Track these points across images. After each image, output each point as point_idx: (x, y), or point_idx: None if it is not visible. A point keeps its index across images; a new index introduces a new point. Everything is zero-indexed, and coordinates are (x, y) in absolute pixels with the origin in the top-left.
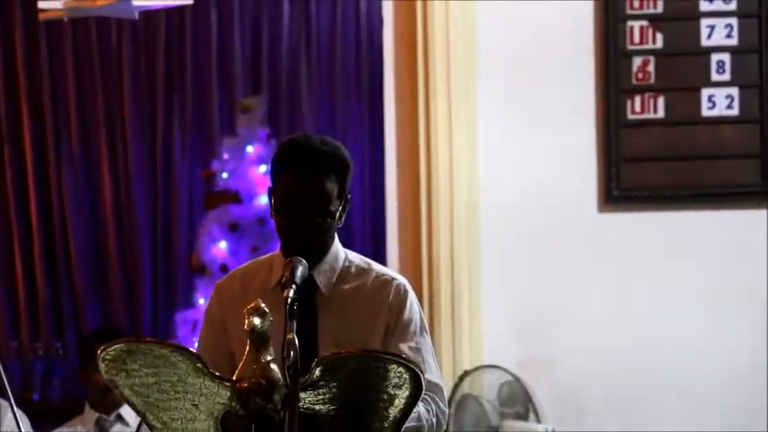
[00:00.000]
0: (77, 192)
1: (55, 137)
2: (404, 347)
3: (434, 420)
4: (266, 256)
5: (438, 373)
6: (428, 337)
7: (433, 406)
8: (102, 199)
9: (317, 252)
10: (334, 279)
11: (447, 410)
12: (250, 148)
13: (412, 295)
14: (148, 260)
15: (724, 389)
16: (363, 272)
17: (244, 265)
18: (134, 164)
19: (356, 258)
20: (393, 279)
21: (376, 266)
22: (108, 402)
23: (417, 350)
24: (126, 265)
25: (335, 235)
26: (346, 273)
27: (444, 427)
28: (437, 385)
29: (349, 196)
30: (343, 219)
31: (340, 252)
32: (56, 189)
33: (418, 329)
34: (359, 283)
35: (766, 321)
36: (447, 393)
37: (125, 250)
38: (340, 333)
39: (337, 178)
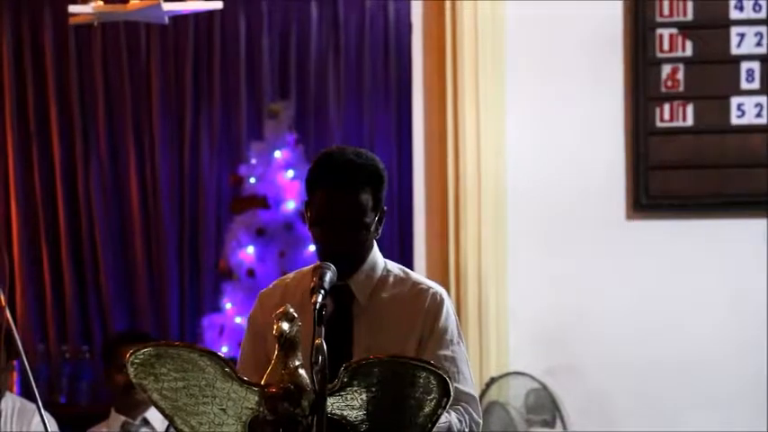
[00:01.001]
0: (105, 196)
1: (83, 142)
2: (439, 355)
3: (467, 430)
4: (310, 266)
5: (472, 384)
6: (464, 347)
7: (467, 417)
8: (130, 203)
9: (353, 263)
10: (371, 289)
11: (481, 422)
12: (278, 153)
13: (448, 303)
14: (175, 264)
15: (754, 397)
16: (401, 281)
17: (289, 274)
18: (162, 168)
19: (395, 268)
20: (429, 288)
21: (414, 275)
22: (132, 405)
23: (453, 359)
24: (153, 269)
25: (374, 244)
26: (384, 282)
27: None
28: (472, 396)
29: (385, 207)
30: (380, 230)
31: (378, 262)
32: (83, 193)
33: (455, 338)
34: (396, 292)
35: None
36: None
37: (152, 254)
38: (375, 342)
39: (372, 191)
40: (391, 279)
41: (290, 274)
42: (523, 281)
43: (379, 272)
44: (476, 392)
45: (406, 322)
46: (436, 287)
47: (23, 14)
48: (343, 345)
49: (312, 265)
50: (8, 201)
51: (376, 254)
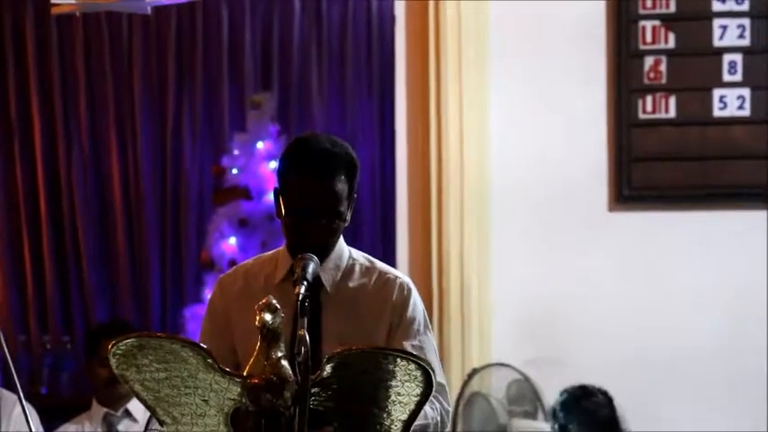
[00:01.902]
0: (87, 186)
1: (65, 132)
2: (407, 345)
3: (439, 419)
4: (270, 252)
5: (441, 372)
6: (431, 336)
7: (438, 405)
8: (112, 194)
9: (323, 251)
10: (339, 277)
11: (450, 410)
12: (260, 144)
13: (415, 294)
14: (157, 255)
15: (734, 388)
16: (367, 270)
17: (248, 260)
18: (144, 159)
19: (360, 257)
20: (396, 278)
21: (380, 265)
22: (114, 397)
23: (421, 349)
24: (135, 260)
25: (341, 233)
26: (350, 271)
27: (448, 427)
28: (441, 384)
29: (355, 195)
30: (349, 218)
31: (344, 250)
32: (65, 184)
33: (422, 328)
34: (363, 282)
35: None
36: (456, 391)
37: (134, 245)
38: (344, 331)
39: (347, 179)
40: (357, 268)
41: (250, 260)
42: (506, 272)
43: (346, 260)
44: (445, 381)
45: (375, 312)
46: (403, 277)
47: (5, 4)
48: (312, 332)
49: (273, 251)
50: None
51: (342, 242)
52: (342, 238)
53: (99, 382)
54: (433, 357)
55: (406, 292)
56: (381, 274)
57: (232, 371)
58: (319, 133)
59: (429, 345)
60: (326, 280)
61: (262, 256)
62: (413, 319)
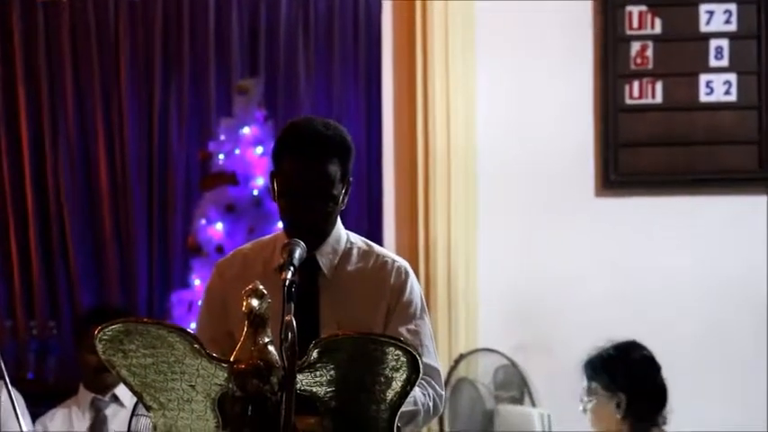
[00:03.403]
0: (73, 171)
1: (51, 118)
2: (402, 330)
3: (431, 404)
4: (269, 236)
5: (436, 357)
6: (428, 320)
7: (430, 390)
8: (99, 179)
9: (319, 235)
10: (336, 261)
11: (444, 394)
12: (246, 130)
13: (413, 277)
14: (144, 240)
15: (723, 373)
16: (365, 254)
17: (246, 245)
18: (130, 145)
19: (358, 240)
20: (394, 261)
21: (377, 248)
22: (102, 382)
23: (416, 333)
24: (122, 246)
25: (338, 217)
26: (348, 254)
27: (441, 411)
28: (435, 369)
29: (351, 179)
30: (345, 201)
31: (342, 234)
32: (52, 169)
33: (418, 312)
34: (360, 265)
35: (765, 306)
36: (443, 377)
37: (121, 230)
38: (342, 315)
39: (340, 162)
40: (355, 252)
41: (248, 245)
42: (493, 258)
43: (343, 244)
44: (439, 365)
45: (373, 296)
46: (400, 261)
47: None
48: (310, 317)
49: (271, 235)
50: None
51: (340, 226)
52: (340, 223)
53: (88, 368)
54: (428, 342)
55: (403, 276)
56: (379, 257)
57: (220, 356)
58: (315, 117)
59: (425, 329)
60: (324, 264)
61: (260, 241)
62: (409, 303)
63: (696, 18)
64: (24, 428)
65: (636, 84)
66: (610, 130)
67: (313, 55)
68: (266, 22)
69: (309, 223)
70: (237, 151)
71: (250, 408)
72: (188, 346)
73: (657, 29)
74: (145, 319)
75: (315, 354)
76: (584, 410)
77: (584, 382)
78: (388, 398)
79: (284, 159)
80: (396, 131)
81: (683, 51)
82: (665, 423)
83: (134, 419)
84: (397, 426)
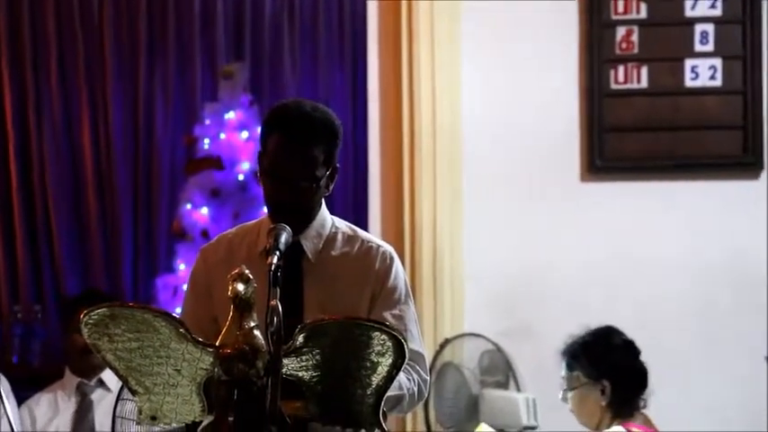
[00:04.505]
0: (59, 156)
1: (36, 102)
2: (387, 315)
3: (416, 389)
4: (254, 221)
5: (420, 342)
6: (412, 306)
7: (415, 375)
8: (83, 163)
9: (302, 217)
10: (321, 245)
11: (429, 379)
12: (231, 114)
13: (397, 263)
14: (129, 225)
15: (709, 357)
16: (350, 239)
17: (231, 230)
18: (115, 129)
19: (343, 225)
20: (379, 246)
21: (362, 233)
22: (88, 367)
23: (401, 318)
24: (106, 230)
25: (323, 202)
26: (333, 239)
27: (426, 396)
28: (419, 354)
29: (338, 165)
30: (331, 187)
31: (327, 219)
32: (36, 153)
33: (402, 297)
34: (345, 250)
35: (750, 290)
36: (428, 361)
37: (106, 214)
38: (326, 299)
39: (325, 144)
40: (340, 236)
41: (233, 230)
42: (478, 243)
43: (328, 228)
44: (424, 350)
45: (357, 280)
46: (385, 246)
47: None
48: (293, 300)
49: (256, 220)
50: None
51: (325, 211)
52: (324, 208)
53: (74, 351)
54: (412, 327)
55: (388, 261)
56: (364, 242)
57: (205, 341)
58: (305, 100)
59: (409, 314)
60: (308, 248)
61: (245, 226)
62: (394, 288)
63: (681, 3)
64: (10, 413)
65: (621, 69)
66: (595, 115)
67: (298, 39)
68: (251, 5)
69: (290, 203)
70: (223, 136)
71: (236, 392)
72: (173, 331)
73: (643, 14)
74: (130, 304)
75: (300, 338)
76: (565, 399)
77: (564, 372)
78: (374, 382)
79: (269, 138)
80: (381, 113)
81: (668, 36)
82: (645, 406)
83: (120, 404)
84: (383, 410)
